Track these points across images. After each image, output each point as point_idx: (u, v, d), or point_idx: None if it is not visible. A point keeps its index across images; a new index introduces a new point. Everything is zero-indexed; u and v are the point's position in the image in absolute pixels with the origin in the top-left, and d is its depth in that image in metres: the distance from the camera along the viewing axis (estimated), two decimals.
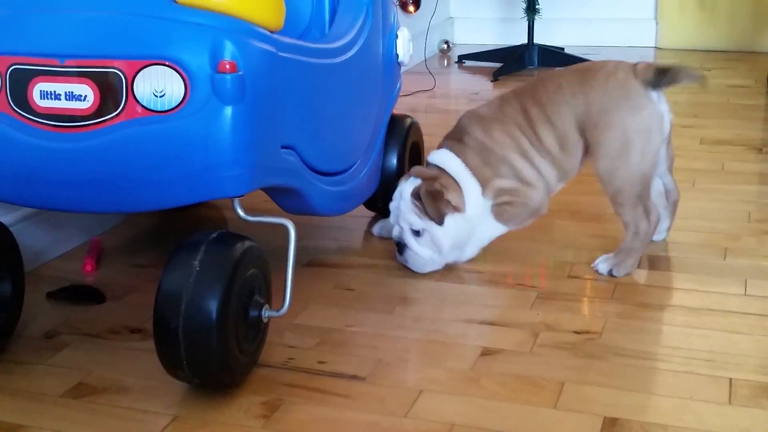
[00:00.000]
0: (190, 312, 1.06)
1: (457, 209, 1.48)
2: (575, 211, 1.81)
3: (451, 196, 1.48)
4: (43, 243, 1.59)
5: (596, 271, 1.50)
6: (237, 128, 1.12)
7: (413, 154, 1.80)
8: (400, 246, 1.51)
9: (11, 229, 1.32)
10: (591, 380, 1.18)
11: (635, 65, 1.47)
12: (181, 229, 1.77)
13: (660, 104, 1.46)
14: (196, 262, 1.09)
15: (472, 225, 1.50)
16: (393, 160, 1.70)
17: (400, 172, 1.71)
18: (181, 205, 1.17)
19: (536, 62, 3.35)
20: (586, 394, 1.15)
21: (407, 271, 1.54)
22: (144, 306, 1.42)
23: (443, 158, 1.52)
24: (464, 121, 1.55)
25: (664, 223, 1.60)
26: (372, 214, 1.79)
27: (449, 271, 1.54)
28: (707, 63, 3.31)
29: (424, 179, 1.49)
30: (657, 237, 1.58)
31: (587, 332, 1.31)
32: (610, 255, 1.50)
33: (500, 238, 1.58)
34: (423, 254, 1.49)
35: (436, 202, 1.46)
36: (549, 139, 1.49)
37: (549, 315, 1.37)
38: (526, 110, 1.51)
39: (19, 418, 1.11)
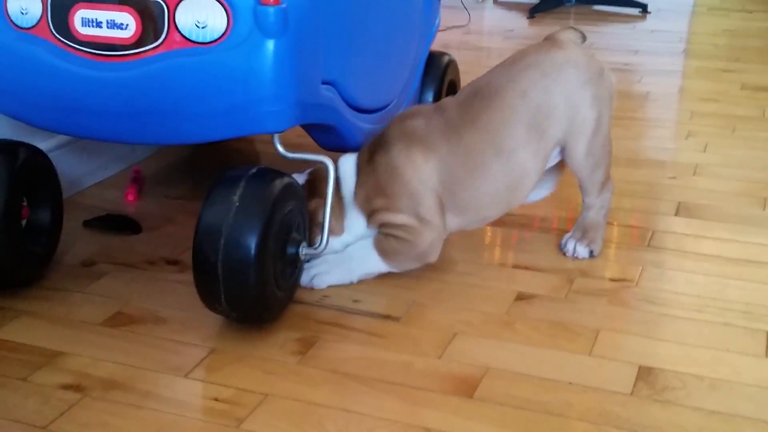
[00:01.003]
0: (229, 247, 1.06)
1: (332, 232, 1.25)
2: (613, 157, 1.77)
3: (326, 216, 1.21)
4: (79, 170, 1.59)
5: (574, 256, 1.35)
6: (279, 62, 1.09)
7: (450, 93, 1.77)
8: None
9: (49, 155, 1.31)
10: (626, 329, 1.17)
11: (559, 36, 1.32)
12: (215, 162, 1.76)
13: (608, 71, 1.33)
14: (236, 197, 1.08)
15: (350, 251, 1.27)
16: (429, 99, 1.68)
17: None
18: (221, 139, 1.15)
19: None
20: (620, 342, 1.14)
21: None
22: (180, 238, 1.42)
23: (345, 170, 1.27)
24: (390, 134, 1.26)
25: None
26: None
27: None
28: (749, 5, 3.21)
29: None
30: (535, 197, 1.38)
31: (623, 280, 1.30)
32: (577, 234, 1.36)
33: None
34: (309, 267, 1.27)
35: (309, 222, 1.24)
36: (494, 168, 1.25)
37: (583, 261, 1.36)
38: (460, 130, 1.25)
39: (60, 344, 1.12)
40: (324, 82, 1.23)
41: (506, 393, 1.03)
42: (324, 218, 1.17)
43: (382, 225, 1.25)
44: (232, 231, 1.06)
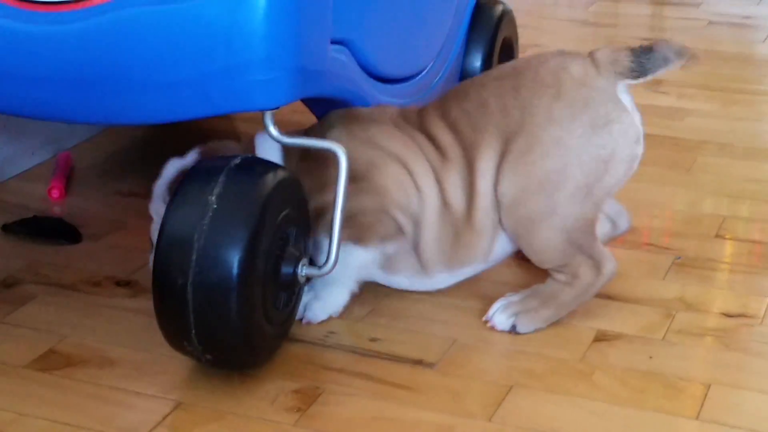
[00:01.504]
0: (203, 265, 1.07)
1: None
2: (726, 144, 1.78)
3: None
4: None
5: (490, 324, 1.29)
6: (273, 14, 1.10)
7: (504, 55, 1.79)
8: None
9: None
10: (746, 383, 1.17)
11: (593, 54, 1.29)
12: (178, 145, 1.77)
13: (634, 114, 1.28)
14: (213, 197, 1.09)
15: None
16: (477, 63, 1.69)
17: None
18: (191, 119, 1.17)
19: None
20: (738, 401, 1.14)
21: None
22: (132, 249, 1.43)
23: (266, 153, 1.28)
24: (331, 131, 1.31)
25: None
26: None
27: None
28: None
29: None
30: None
31: (742, 315, 1.30)
32: (515, 298, 1.31)
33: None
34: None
35: None
36: (456, 193, 1.28)
37: (689, 289, 1.36)
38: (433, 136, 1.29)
39: None
40: (334, 42, 1.24)
41: None
42: (334, 224, 1.17)
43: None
44: (208, 243, 1.07)
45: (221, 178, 1.11)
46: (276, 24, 1.11)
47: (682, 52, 1.27)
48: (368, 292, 1.34)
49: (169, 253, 1.08)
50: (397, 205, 1.26)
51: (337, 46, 1.25)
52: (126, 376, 1.17)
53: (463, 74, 1.68)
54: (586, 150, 1.24)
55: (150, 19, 1.11)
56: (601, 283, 1.28)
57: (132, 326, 1.27)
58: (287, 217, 1.15)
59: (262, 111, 1.16)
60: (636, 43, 1.28)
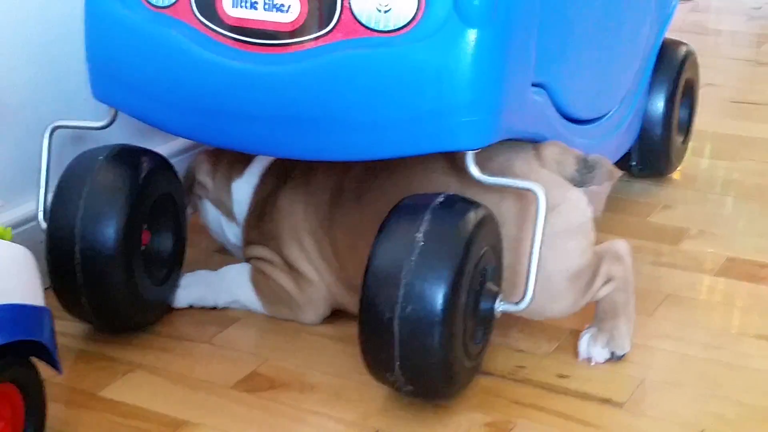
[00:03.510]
0: (409, 299, 1.07)
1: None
2: None
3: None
4: None
5: (588, 359, 1.27)
6: (482, 59, 1.10)
7: (686, 96, 1.75)
8: None
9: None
10: None
11: (540, 149, 1.26)
12: None
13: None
14: (420, 235, 1.09)
15: (224, 271, 1.39)
16: (659, 105, 1.66)
17: (667, 121, 1.67)
18: (398, 157, 1.18)
19: None
20: None
21: (674, 258, 1.51)
22: None
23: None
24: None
25: None
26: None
27: (732, 263, 1.49)
28: None
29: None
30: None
31: None
32: (593, 329, 1.29)
33: None
34: None
35: None
36: None
37: None
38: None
39: (183, 411, 1.16)
40: (534, 84, 1.23)
41: None
42: (531, 261, 1.16)
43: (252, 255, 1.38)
44: (415, 278, 1.08)
45: (427, 216, 1.11)
46: (484, 69, 1.11)
47: (611, 175, 1.26)
48: (552, 326, 1.33)
49: (377, 288, 1.09)
50: None
51: (536, 89, 1.24)
52: (325, 402, 1.19)
53: (646, 115, 1.65)
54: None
55: (362, 62, 1.12)
56: (630, 264, 1.27)
57: (329, 352, 1.28)
58: (486, 254, 1.15)
59: (465, 151, 1.16)
60: None
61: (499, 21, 1.11)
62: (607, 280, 1.26)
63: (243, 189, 1.40)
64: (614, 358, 1.27)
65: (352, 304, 1.27)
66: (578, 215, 1.25)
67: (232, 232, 1.42)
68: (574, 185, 1.25)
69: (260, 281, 1.36)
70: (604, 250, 1.28)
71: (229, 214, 1.41)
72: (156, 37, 1.20)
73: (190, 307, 1.37)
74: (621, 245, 1.29)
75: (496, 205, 1.20)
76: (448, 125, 1.13)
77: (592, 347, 1.27)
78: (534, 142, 1.29)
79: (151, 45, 1.21)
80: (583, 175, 1.26)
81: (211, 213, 1.43)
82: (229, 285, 1.38)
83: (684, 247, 1.55)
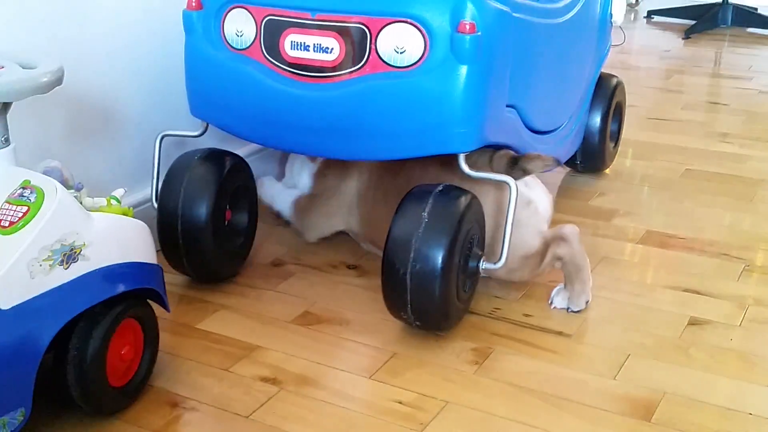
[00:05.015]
0: (418, 260, 1.07)
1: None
2: None
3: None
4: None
5: (551, 305, 1.24)
6: (470, 87, 1.09)
7: (616, 114, 1.73)
8: None
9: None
10: None
11: (493, 154, 1.23)
12: None
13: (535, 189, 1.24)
14: (425, 213, 1.08)
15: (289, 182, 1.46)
16: (597, 120, 1.64)
17: (602, 132, 1.65)
18: (409, 157, 1.16)
19: (729, 22, 3.12)
20: None
21: (607, 231, 1.49)
22: (356, 244, 1.44)
23: None
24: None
25: None
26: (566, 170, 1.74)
27: (649, 234, 1.48)
28: None
29: None
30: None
31: None
32: (560, 286, 1.25)
33: (700, 204, 1.50)
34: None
35: None
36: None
37: (758, 288, 1.29)
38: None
39: (256, 339, 1.16)
40: (508, 105, 1.22)
41: (685, 419, 0.99)
42: (504, 234, 1.15)
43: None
44: (422, 245, 1.07)
45: (430, 200, 1.10)
46: (471, 94, 1.10)
47: (545, 164, 1.21)
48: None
49: (395, 252, 1.08)
50: None
51: (509, 108, 1.23)
52: (357, 332, 1.18)
53: (587, 128, 1.63)
54: None
55: (384, 89, 1.11)
56: (576, 243, 1.21)
57: (358, 297, 1.27)
58: (473, 227, 1.14)
59: (457, 153, 1.14)
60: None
61: (483, 59, 1.09)
62: (557, 259, 1.23)
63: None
64: (569, 311, 1.24)
65: (360, 238, 1.39)
66: (540, 212, 1.24)
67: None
68: (516, 179, 1.18)
69: (301, 202, 1.40)
70: (552, 236, 1.23)
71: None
72: (236, 71, 1.19)
73: None
74: (569, 229, 1.23)
75: (478, 192, 1.19)
76: (446, 134, 1.11)
77: (555, 297, 1.25)
78: (506, 148, 1.27)
79: (233, 76, 1.20)
80: (511, 170, 1.20)
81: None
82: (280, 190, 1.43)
83: (615, 223, 1.54)
